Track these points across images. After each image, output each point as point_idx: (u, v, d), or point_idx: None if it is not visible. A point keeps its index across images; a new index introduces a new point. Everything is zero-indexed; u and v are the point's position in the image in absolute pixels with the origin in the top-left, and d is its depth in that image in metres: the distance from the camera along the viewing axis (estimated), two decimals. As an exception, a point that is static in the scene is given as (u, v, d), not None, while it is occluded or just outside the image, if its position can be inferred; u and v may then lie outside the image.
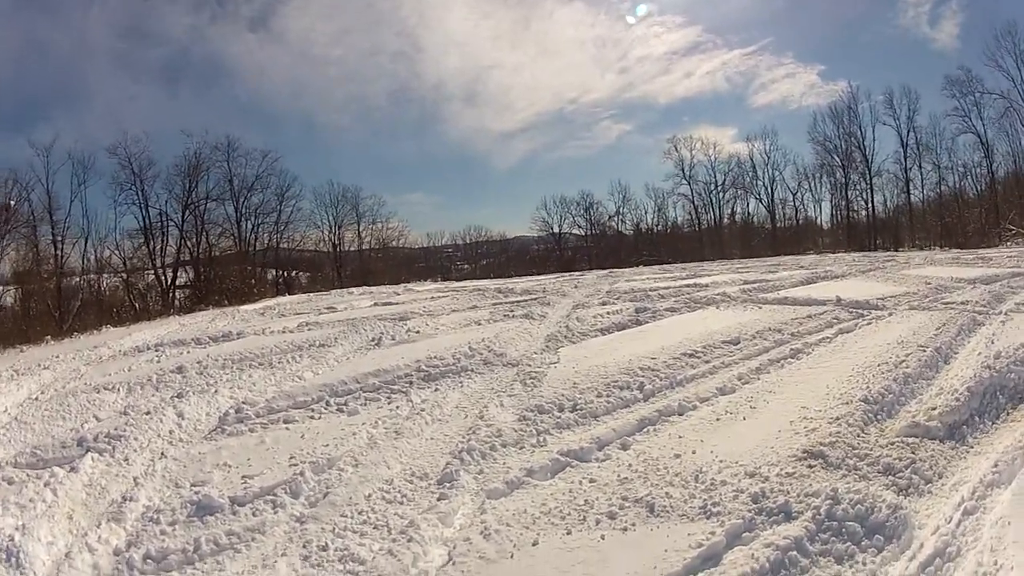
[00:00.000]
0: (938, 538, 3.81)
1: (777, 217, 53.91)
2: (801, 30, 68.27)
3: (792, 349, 7.88)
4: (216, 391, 7.36)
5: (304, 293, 26.41)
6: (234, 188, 41.99)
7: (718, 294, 12.48)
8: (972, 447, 5.21)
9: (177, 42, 60.73)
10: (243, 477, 5.13)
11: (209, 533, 4.36)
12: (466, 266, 57.65)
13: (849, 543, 3.84)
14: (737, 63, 63.01)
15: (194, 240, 39.66)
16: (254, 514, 4.59)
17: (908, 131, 47.42)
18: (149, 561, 4.13)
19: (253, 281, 32.79)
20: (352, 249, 48.82)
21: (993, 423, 5.64)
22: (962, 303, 10.20)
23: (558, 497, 4.55)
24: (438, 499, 4.64)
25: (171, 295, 36.60)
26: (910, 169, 48.17)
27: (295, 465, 5.22)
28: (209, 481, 5.10)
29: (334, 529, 4.35)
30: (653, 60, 71.88)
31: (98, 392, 7.80)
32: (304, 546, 4.16)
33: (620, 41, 67.15)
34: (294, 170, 49.43)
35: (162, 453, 5.73)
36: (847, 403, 5.82)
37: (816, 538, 3.87)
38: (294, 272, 46.57)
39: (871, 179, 49.27)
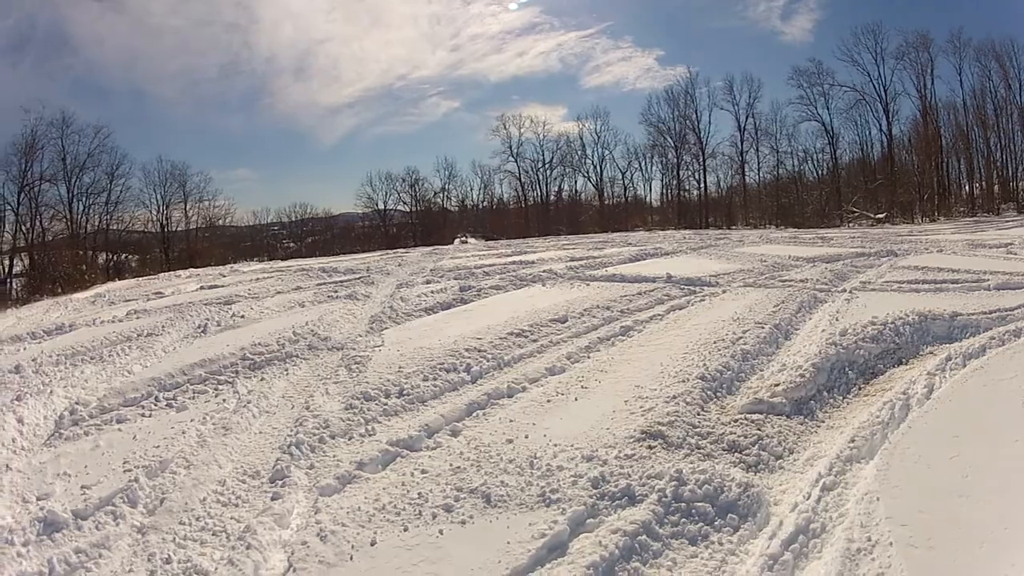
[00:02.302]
0: (798, 515, 4.25)
1: (605, 195, 61.94)
2: (643, 16, 79.45)
3: (622, 327, 8.70)
4: (52, 391, 7.61)
5: (134, 278, 29.08)
6: (67, 167, 44.64)
7: (544, 271, 13.73)
8: (823, 422, 5.93)
9: (24, 8, 59.90)
10: (82, 487, 5.26)
11: (59, 552, 4.43)
12: (292, 244, 62.64)
13: (702, 524, 4.22)
14: (573, 45, 72.11)
15: (28, 225, 42.12)
16: (97, 528, 4.73)
17: (747, 116, 57.36)
18: (11, 588, 4.23)
19: (85, 267, 35.79)
20: (180, 229, 53.58)
21: (844, 398, 6.45)
22: (801, 281, 11.50)
23: (391, 491, 4.90)
24: (272, 499, 4.95)
25: (8, 285, 39.39)
26: (746, 152, 58.03)
27: (129, 471, 5.45)
28: (52, 494, 5.21)
29: (175, 539, 4.54)
30: (486, 39, 78.82)
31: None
32: (149, 559, 4.33)
33: (455, 18, 73.84)
34: (125, 147, 53.57)
35: (7, 465, 5.82)
36: (683, 381, 6.45)
37: (665, 521, 4.23)
38: (124, 255, 50.03)
39: (704, 160, 58.30)
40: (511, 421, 5.92)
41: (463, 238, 43.88)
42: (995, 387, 6.20)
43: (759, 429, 5.62)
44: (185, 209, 52.91)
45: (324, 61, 78.59)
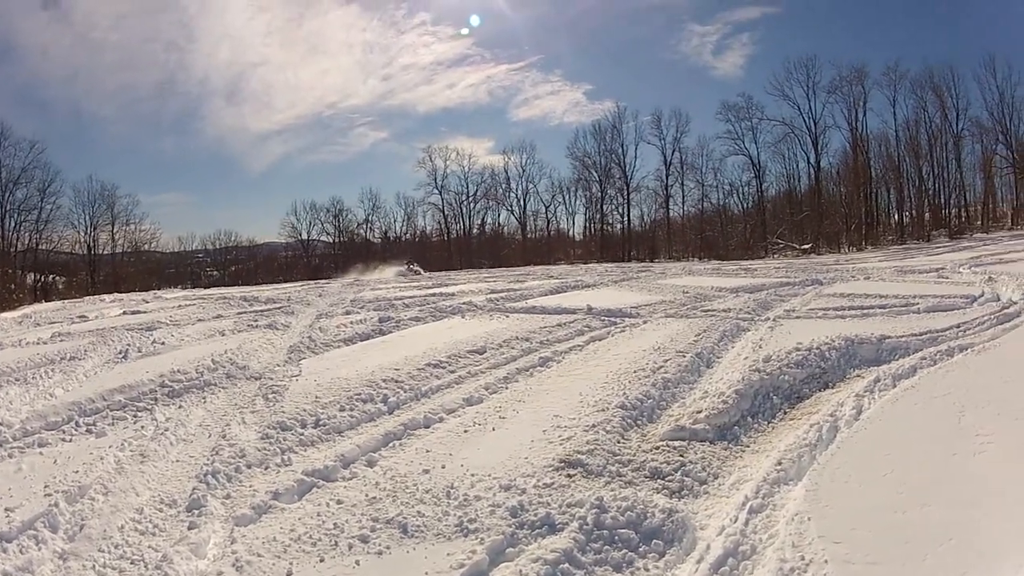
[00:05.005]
0: (726, 538, 4.36)
1: (528, 228, 65.67)
2: (575, 49, 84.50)
3: (541, 357, 8.96)
4: (-23, 413, 7.67)
5: (60, 300, 30.58)
6: (2, 181, 47.68)
7: (464, 303, 14.15)
8: (748, 447, 6.14)
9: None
10: (6, 510, 5.28)
11: (-13, 576, 4.48)
12: (215, 272, 65.45)
13: (626, 550, 4.31)
14: (503, 77, 78.82)
15: (-41, 241, 43.11)
16: (21, 551, 4.79)
17: (674, 151, 61.92)
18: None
19: (13, 286, 38.30)
20: (106, 252, 57.63)
21: (769, 423, 6.71)
22: (724, 311, 11.97)
23: (307, 521, 5.01)
24: (188, 528, 5.02)
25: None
26: (671, 186, 62.22)
27: (50, 495, 5.49)
28: (-25, 514, 5.24)
29: (95, 566, 4.58)
30: (418, 69, 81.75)
31: None
32: (71, 587, 4.38)
33: (388, 47, 77.62)
34: (58, 163, 56.59)
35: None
36: (603, 410, 6.67)
37: (588, 548, 4.31)
38: (52, 276, 53.60)
39: (629, 194, 62.50)
40: (428, 451, 6.11)
41: (411, 265, 43.46)
42: (928, 405, 6.55)
43: (682, 455, 5.79)
44: (112, 232, 56.95)
45: (257, 86, 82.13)
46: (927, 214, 59.40)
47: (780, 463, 5.47)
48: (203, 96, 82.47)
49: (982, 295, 12.66)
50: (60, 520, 5.09)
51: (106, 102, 78.27)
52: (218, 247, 67.93)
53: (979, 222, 57.09)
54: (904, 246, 48.66)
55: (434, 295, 16.74)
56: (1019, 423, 5.96)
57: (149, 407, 7.75)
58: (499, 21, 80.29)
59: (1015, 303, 11.66)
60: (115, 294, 30.09)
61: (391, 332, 11.48)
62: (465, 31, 77.73)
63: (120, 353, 10.72)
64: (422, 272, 39.72)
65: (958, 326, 9.87)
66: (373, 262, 49.24)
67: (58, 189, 51.55)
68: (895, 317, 10.85)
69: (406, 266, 43.23)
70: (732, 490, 5.27)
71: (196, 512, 5.22)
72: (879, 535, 4.24)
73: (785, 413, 6.99)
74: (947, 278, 16.47)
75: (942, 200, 59.62)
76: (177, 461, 6.24)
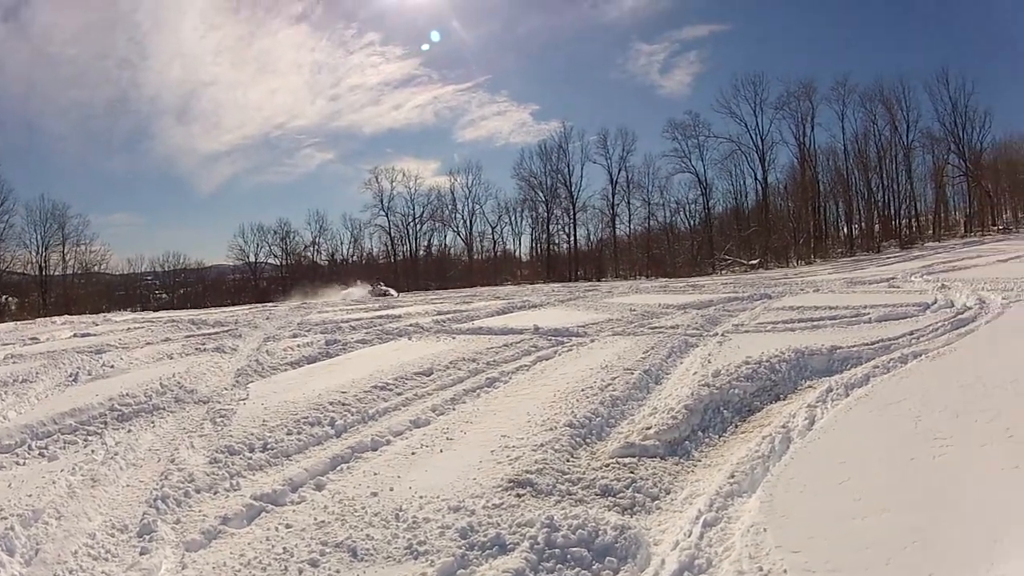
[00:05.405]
0: (680, 552, 4.35)
1: (475, 249, 66.68)
2: (522, 70, 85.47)
3: (488, 378, 9.03)
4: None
5: (13, 321, 31.43)
6: None
7: (411, 325, 14.46)
8: (700, 461, 6.17)
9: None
10: None
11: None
12: (164, 295, 65.36)
13: (579, 568, 4.27)
14: (449, 98, 78.06)
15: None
16: None
17: (620, 170, 63.14)
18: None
19: None
20: (57, 273, 58.33)
21: (721, 436, 6.75)
22: (672, 327, 12.15)
23: (256, 546, 4.99)
24: (140, 554, 5.03)
25: None
26: (617, 205, 63.28)
27: (5, 518, 5.45)
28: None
29: None
30: (365, 90, 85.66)
31: None
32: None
33: (337, 68, 79.96)
34: (12, 180, 57.74)
35: None
36: (551, 429, 6.72)
37: (540, 567, 4.28)
38: (4, 297, 54.64)
39: (575, 214, 63.57)
40: (376, 474, 6.11)
41: (379, 285, 42.42)
42: (883, 411, 6.66)
43: (632, 472, 5.80)
44: (63, 252, 57.64)
45: (207, 105, 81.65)
46: (877, 226, 61.04)
47: (733, 476, 5.49)
48: (153, 115, 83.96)
49: (935, 302, 12.97)
50: (16, 544, 5.08)
51: (59, 118, 76.55)
52: (167, 269, 68.45)
53: (931, 231, 58.96)
54: (854, 258, 49.76)
55: (381, 317, 17.10)
56: (979, 425, 6.05)
57: (99, 431, 7.80)
58: (447, 42, 79.57)
59: (970, 308, 11.94)
60: (66, 316, 31.05)
61: (338, 355, 11.63)
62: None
63: (71, 376, 10.79)
64: (393, 293, 39.00)
65: (911, 333, 10.09)
66: (332, 283, 49.12)
67: (11, 207, 52.72)
68: (846, 328, 11.06)
69: (373, 286, 42.34)
70: (685, 504, 5.26)
71: (147, 537, 5.21)
72: (839, 542, 4.24)
73: (736, 427, 7.04)
74: (899, 287, 17.00)
75: (892, 211, 61.46)
76: (127, 486, 6.22)
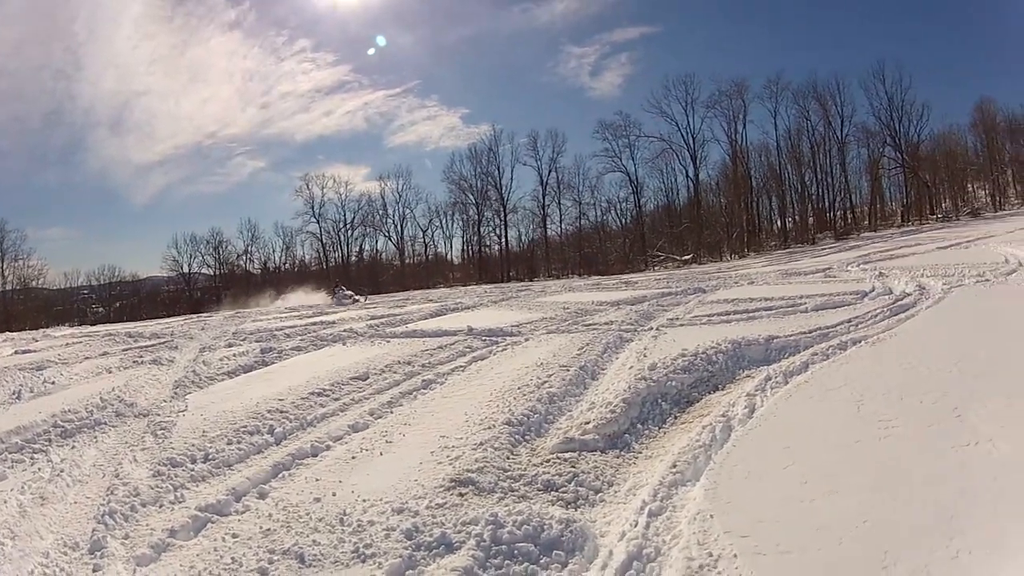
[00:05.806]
0: (628, 543, 4.41)
1: (406, 253, 67.67)
2: (452, 74, 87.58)
3: (424, 380, 9.08)
4: None
5: None
6: None
7: (345, 331, 14.50)
8: (641, 453, 6.25)
9: None
10: None
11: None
12: (100, 309, 65.55)
13: (527, 563, 4.32)
14: (380, 103, 79.31)
15: None
16: None
17: (550, 171, 64.53)
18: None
19: None
20: None
21: (660, 428, 6.84)
22: (606, 324, 12.29)
23: (205, 557, 4.98)
24: (93, 571, 5.03)
25: None
26: (548, 205, 64.64)
27: None
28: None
29: None
30: (296, 97, 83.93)
31: None
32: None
33: (268, 76, 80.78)
34: None
35: None
36: (490, 428, 6.79)
37: (488, 564, 4.32)
38: None
39: (506, 215, 64.73)
40: (317, 480, 6.14)
41: (340, 289, 37.45)
42: (824, 397, 6.82)
43: (573, 467, 5.87)
44: (1, 267, 59.18)
45: (140, 115, 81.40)
46: (811, 218, 62.48)
47: (675, 465, 5.56)
48: (88, 126, 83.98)
49: (873, 290, 13.40)
50: (-25, 566, 5.04)
51: (-1, 134, 74.06)
52: (102, 283, 68.72)
53: (867, 222, 60.55)
54: (788, 250, 50.91)
55: (315, 324, 17.08)
56: (923, 406, 6.23)
57: (44, 448, 7.79)
58: (378, 48, 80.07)
59: (909, 295, 12.31)
60: (6, 333, 30.73)
61: (274, 363, 11.63)
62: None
63: (14, 394, 10.80)
64: (360, 299, 34.81)
65: (849, 321, 10.34)
66: (265, 291, 49.80)
67: (-52, 225, 50.61)
68: (782, 318, 11.27)
69: (335, 293, 37.12)
70: (629, 496, 5.32)
71: (98, 554, 5.20)
72: (788, 525, 4.33)
73: (676, 418, 7.13)
74: (835, 277, 17.46)
75: (827, 204, 63.02)
76: (75, 503, 6.21)
